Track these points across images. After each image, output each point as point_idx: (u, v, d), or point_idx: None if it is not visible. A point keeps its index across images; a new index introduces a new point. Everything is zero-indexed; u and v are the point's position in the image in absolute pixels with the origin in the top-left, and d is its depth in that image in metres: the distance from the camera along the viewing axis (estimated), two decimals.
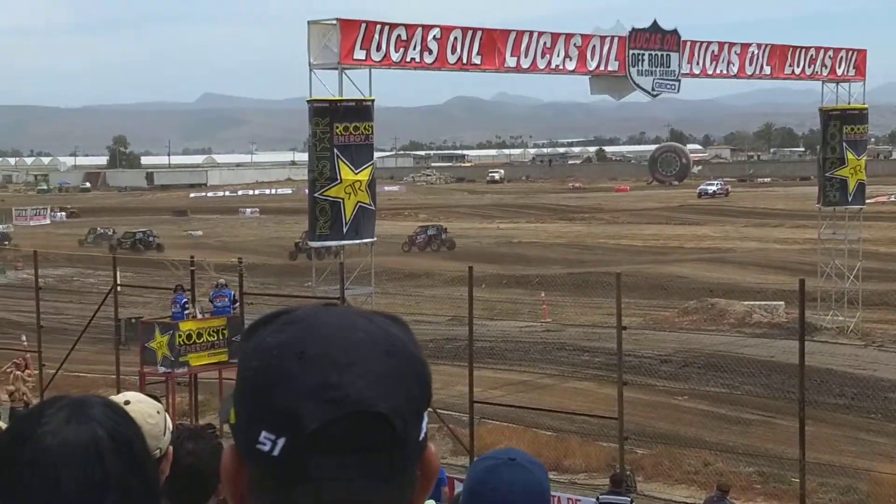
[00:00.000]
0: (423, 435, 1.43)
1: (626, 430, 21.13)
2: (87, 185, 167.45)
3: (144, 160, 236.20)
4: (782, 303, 37.78)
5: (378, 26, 32.57)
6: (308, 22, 32.07)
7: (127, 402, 3.27)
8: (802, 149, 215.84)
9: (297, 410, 1.35)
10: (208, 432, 4.57)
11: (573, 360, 32.13)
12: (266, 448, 1.36)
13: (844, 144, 34.87)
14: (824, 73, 35.80)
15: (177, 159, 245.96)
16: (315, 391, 1.35)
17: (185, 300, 26.10)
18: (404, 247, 63.43)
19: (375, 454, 1.36)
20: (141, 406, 3.31)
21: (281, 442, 1.35)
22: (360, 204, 31.05)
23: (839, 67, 36.13)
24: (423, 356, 1.46)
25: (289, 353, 1.38)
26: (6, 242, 68.98)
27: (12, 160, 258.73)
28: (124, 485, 1.44)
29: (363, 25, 32.28)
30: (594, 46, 38.16)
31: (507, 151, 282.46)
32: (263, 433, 1.36)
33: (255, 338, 1.42)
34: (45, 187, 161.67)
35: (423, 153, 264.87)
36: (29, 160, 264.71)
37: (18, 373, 25.54)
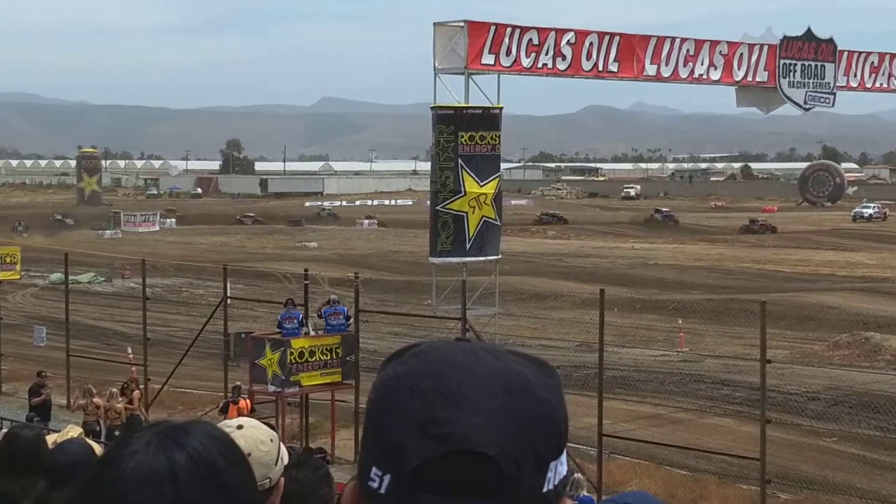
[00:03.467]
0: (549, 487, 1.38)
1: (768, 472, 20.73)
2: (199, 190, 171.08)
3: (259, 166, 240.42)
4: None
5: (508, 29, 32.58)
6: (434, 24, 32.19)
7: (240, 427, 3.32)
8: None
9: (401, 446, 1.35)
10: (316, 459, 4.57)
11: (712, 393, 31.61)
12: (375, 485, 1.37)
13: None
14: None
15: (292, 165, 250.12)
16: (420, 426, 1.35)
17: (301, 315, 26.22)
18: None
19: (484, 500, 1.33)
20: (253, 432, 3.33)
21: (387, 479, 1.36)
22: (485, 218, 31.08)
23: None
24: (558, 400, 1.42)
25: (402, 386, 1.39)
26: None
27: (122, 163, 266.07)
28: None
29: (492, 28, 32.31)
30: (742, 55, 37.70)
31: (643, 165, 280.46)
32: (374, 469, 1.37)
33: (383, 371, 1.45)
34: (156, 192, 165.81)
35: (553, 165, 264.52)
36: (139, 163, 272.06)
37: (114, 390, 25.82)
